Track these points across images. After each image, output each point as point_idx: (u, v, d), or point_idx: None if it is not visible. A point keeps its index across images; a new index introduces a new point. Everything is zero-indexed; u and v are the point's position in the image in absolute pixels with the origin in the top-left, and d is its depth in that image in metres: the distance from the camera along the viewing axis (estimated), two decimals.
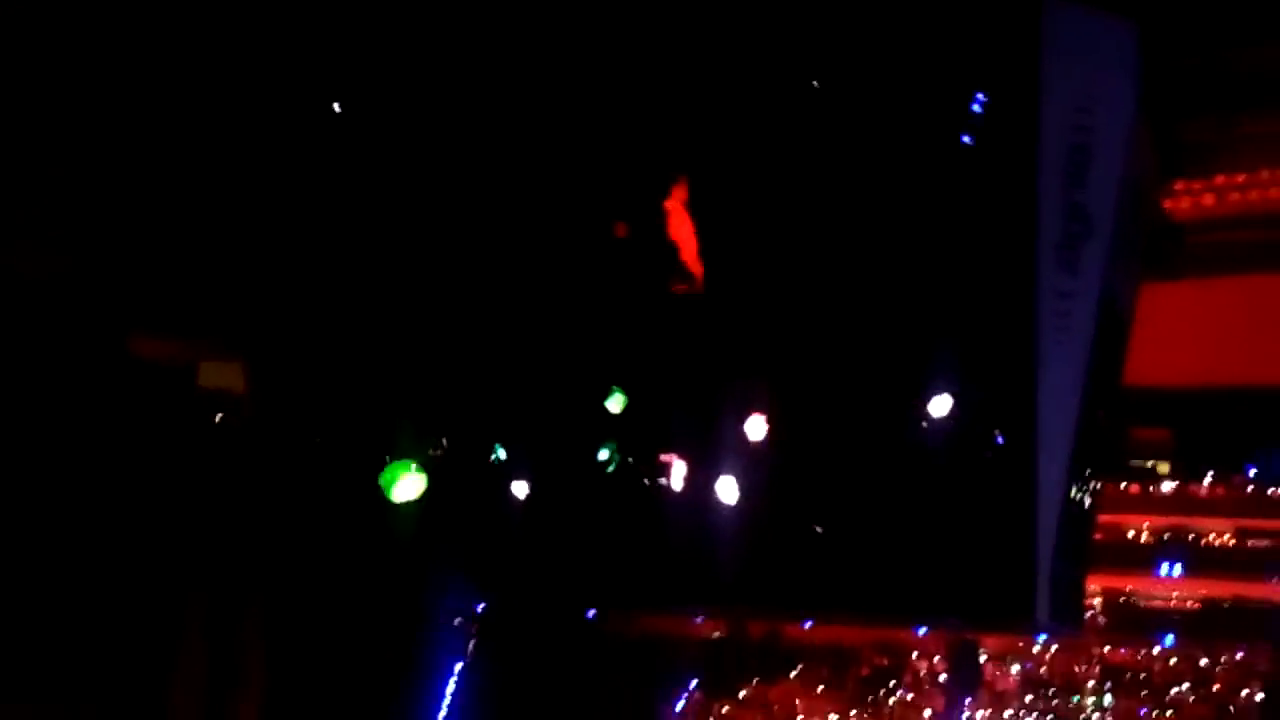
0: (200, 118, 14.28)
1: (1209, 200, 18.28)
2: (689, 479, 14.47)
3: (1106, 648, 19.95)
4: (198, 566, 15.58)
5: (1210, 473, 20.13)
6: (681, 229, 14.36)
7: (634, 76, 14.23)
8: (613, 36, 14.27)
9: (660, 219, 14.38)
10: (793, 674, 20.81)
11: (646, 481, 14.53)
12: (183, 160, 14.50)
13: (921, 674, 20.44)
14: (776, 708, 20.70)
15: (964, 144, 13.45)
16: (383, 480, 13.63)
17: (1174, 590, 19.86)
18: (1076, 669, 19.94)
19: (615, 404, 14.51)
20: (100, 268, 14.73)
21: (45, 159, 14.11)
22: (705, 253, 14.36)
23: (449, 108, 14.63)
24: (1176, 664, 19.70)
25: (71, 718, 15.04)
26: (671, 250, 14.39)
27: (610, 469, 14.59)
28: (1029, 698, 19.89)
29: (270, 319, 15.30)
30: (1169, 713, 19.32)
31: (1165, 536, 20.02)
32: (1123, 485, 20.17)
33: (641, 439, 14.62)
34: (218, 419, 15.57)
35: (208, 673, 16.07)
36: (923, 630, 19.24)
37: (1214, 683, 19.42)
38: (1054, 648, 19.93)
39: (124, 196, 14.54)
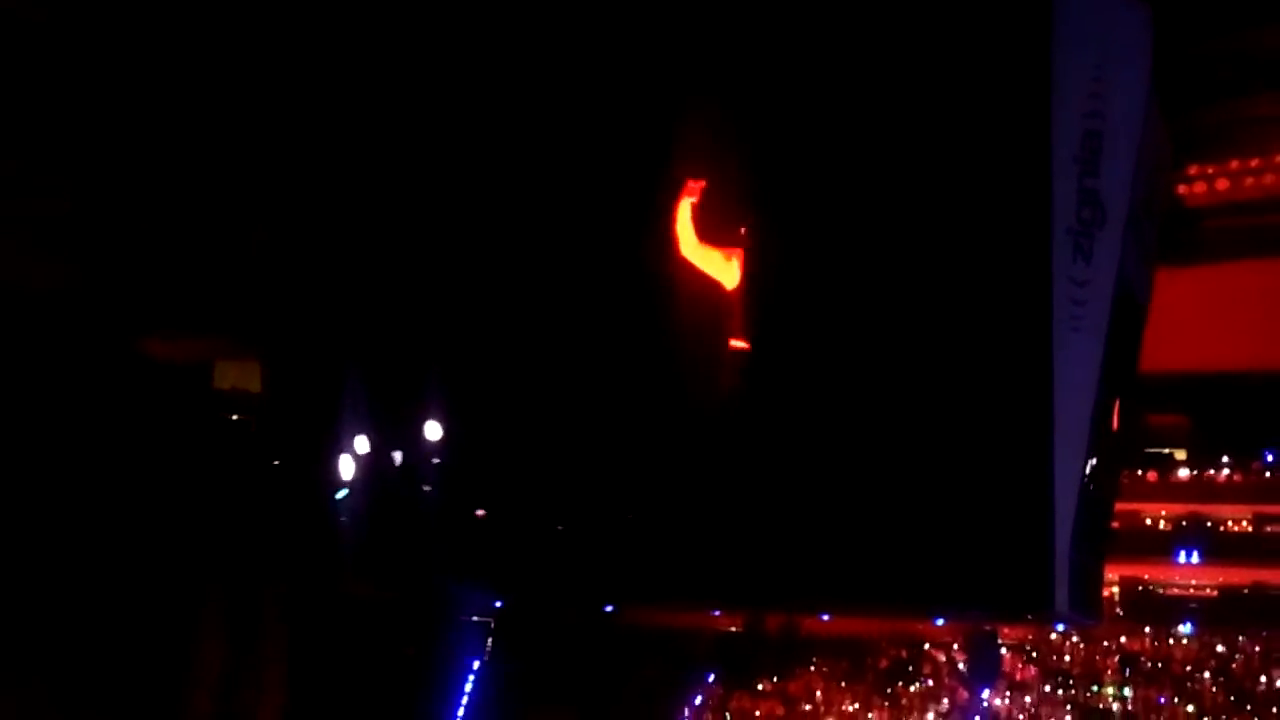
0: (215, 117, 14.27)
1: (1223, 185, 18.22)
2: (705, 475, 14.46)
3: (1125, 637, 19.87)
4: (216, 565, 15.63)
5: (1227, 459, 20.07)
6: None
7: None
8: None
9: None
10: (811, 666, 20.77)
11: (666, 480, 14.51)
12: (196, 160, 14.50)
13: (940, 665, 20.39)
14: (795, 700, 20.66)
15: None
16: None
17: (1192, 578, 19.79)
18: (1096, 658, 19.86)
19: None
20: (107, 274, 14.71)
21: (42, 168, 14.05)
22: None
23: (471, 117, 14.66)
24: (1196, 651, 19.60)
25: (88, 713, 15.08)
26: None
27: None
28: (1048, 687, 19.82)
29: (286, 317, 15.32)
30: (1188, 701, 19.23)
31: (1183, 523, 19.96)
32: (1140, 472, 20.12)
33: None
34: (234, 418, 15.62)
35: (225, 669, 16.10)
36: (941, 621, 19.18)
37: (1234, 670, 19.33)
38: (1073, 637, 19.85)
39: (130, 199, 14.53)
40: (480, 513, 15.19)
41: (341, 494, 14.47)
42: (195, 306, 15.20)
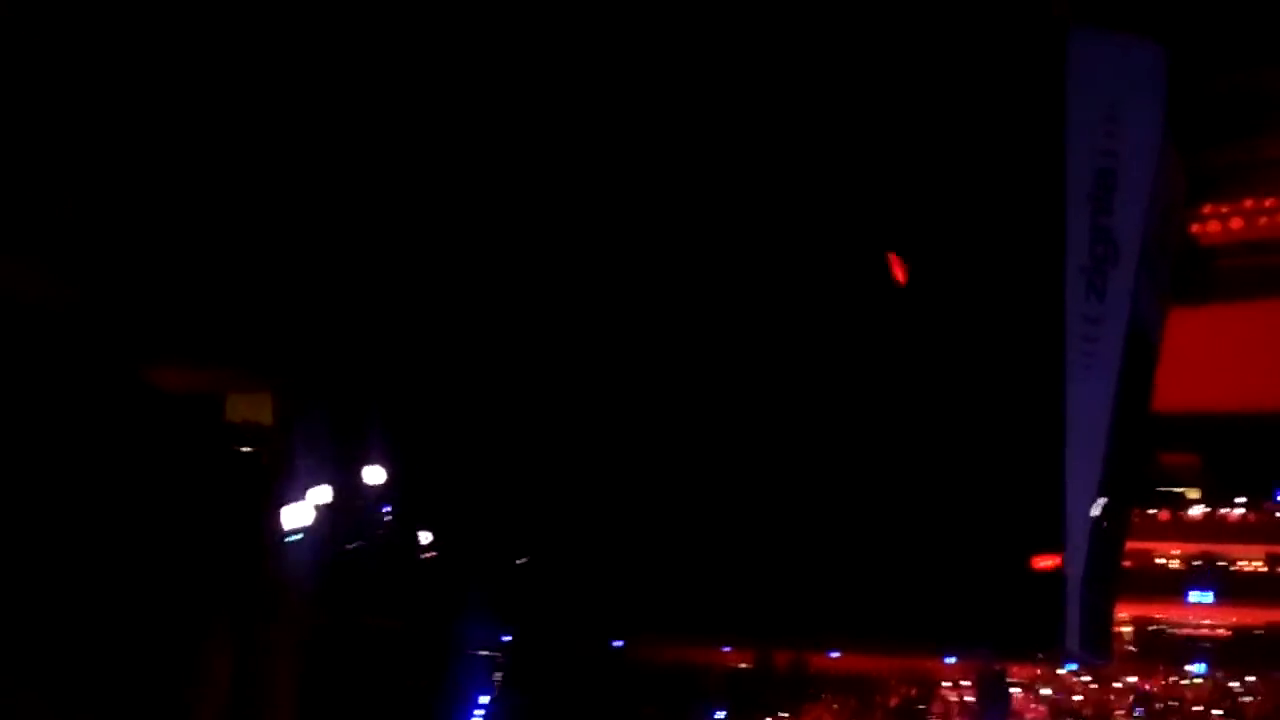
0: (228, 142, 14.23)
1: (1237, 224, 18.28)
2: (719, 511, 14.43)
3: (1137, 676, 19.83)
4: (225, 596, 15.58)
5: (1241, 499, 20.07)
6: None
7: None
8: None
9: None
10: (820, 703, 20.69)
11: (677, 517, 14.48)
12: (211, 186, 14.47)
13: (950, 703, 20.32)
14: None
15: None
16: None
17: (1205, 618, 19.77)
18: (1108, 697, 19.80)
19: None
20: (115, 296, 14.64)
21: (50, 179, 13.90)
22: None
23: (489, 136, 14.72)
24: (1209, 692, 19.55)
25: None
26: None
27: None
28: None
29: (298, 350, 15.31)
30: None
31: (1195, 563, 19.95)
32: (1152, 512, 20.12)
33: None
34: (245, 450, 15.59)
35: (233, 701, 16.03)
36: (951, 659, 19.13)
37: (1247, 711, 19.27)
38: (1084, 676, 19.80)
39: (142, 222, 14.46)
40: (490, 546, 15.16)
41: (295, 536, 14.49)
42: (206, 338, 15.18)
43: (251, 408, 15.71)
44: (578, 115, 14.53)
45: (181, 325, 14.90)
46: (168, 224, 14.43)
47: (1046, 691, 19.99)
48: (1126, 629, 19.60)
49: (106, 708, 14.45)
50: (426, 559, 15.10)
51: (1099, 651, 15.48)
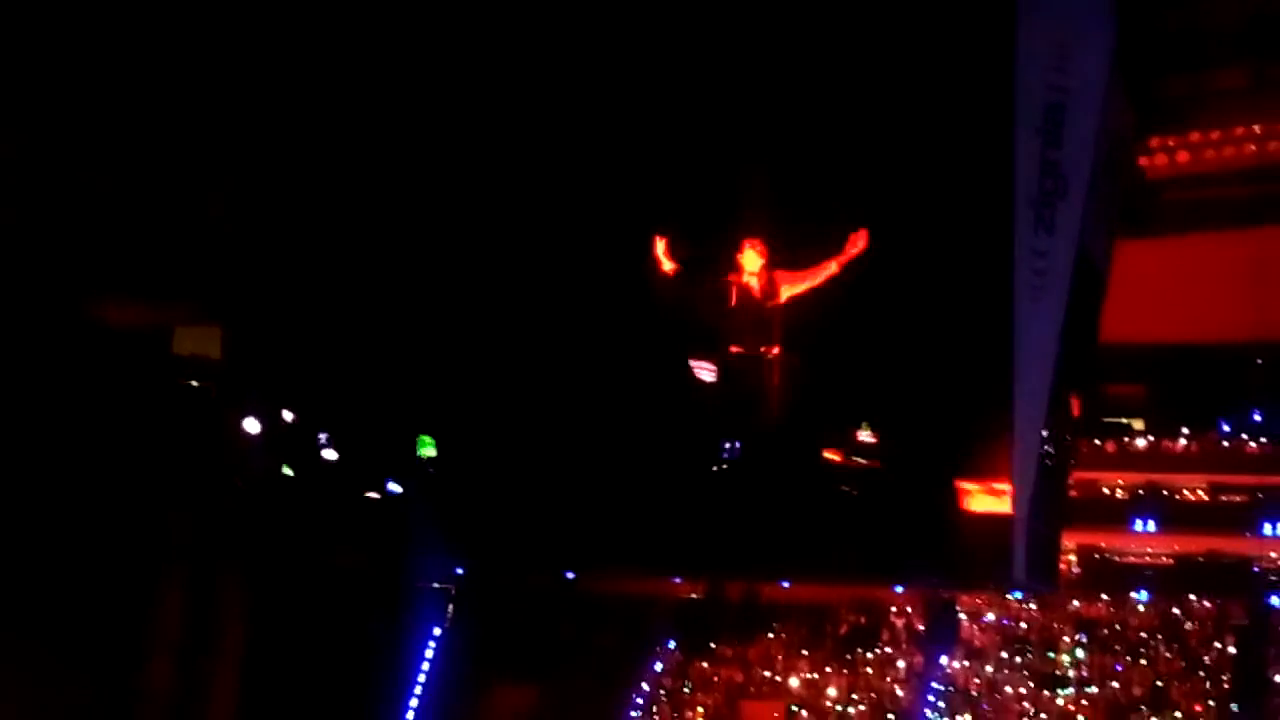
0: (176, 71, 14.04)
1: (1184, 157, 18.36)
2: (671, 444, 14.45)
3: (1082, 603, 20.08)
4: (174, 532, 15.57)
5: (1184, 429, 20.28)
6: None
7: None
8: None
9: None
10: (770, 633, 20.88)
11: (627, 446, 14.50)
12: (159, 115, 14.28)
13: (899, 631, 20.54)
14: (755, 666, 20.78)
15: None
16: None
17: (1148, 546, 20.00)
18: (1052, 625, 20.06)
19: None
20: (54, 226, 14.44)
21: None
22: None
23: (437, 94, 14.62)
24: (1151, 618, 19.82)
25: (48, 681, 15.05)
26: None
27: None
28: (1005, 654, 20.00)
29: (247, 283, 15.19)
30: (1143, 666, 19.45)
31: (1140, 492, 20.15)
32: (1098, 442, 20.30)
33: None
34: (193, 384, 15.49)
35: (184, 638, 16.07)
36: (900, 589, 19.33)
37: (1188, 636, 19.56)
38: (1030, 604, 20.04)
39: (86, 153, 14.26)
40: (440, 479, 15.16)
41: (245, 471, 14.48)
42: (153, 271, 15.04)
43: (199, 341, 15.62)
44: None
45: (127, 259, 14.75)
46: (113, 156, 14.25)
47: (993, 619, 20.21)
48: (1073, 557, 19.78)
49: (57, 647, 14.45)
50: (376, 494, 15.10)
51: (1046, 580, 15.65)
